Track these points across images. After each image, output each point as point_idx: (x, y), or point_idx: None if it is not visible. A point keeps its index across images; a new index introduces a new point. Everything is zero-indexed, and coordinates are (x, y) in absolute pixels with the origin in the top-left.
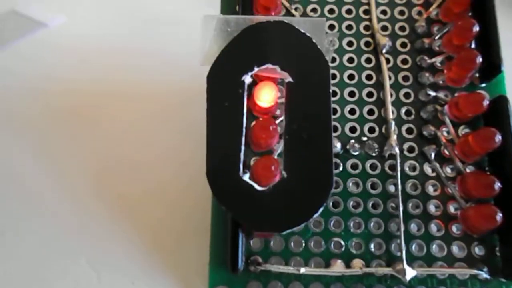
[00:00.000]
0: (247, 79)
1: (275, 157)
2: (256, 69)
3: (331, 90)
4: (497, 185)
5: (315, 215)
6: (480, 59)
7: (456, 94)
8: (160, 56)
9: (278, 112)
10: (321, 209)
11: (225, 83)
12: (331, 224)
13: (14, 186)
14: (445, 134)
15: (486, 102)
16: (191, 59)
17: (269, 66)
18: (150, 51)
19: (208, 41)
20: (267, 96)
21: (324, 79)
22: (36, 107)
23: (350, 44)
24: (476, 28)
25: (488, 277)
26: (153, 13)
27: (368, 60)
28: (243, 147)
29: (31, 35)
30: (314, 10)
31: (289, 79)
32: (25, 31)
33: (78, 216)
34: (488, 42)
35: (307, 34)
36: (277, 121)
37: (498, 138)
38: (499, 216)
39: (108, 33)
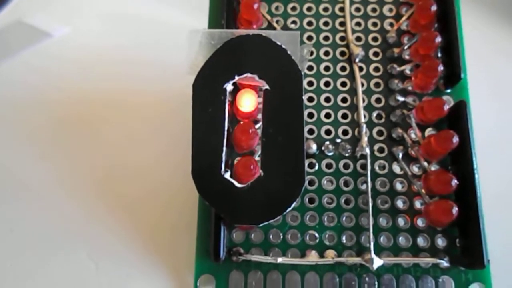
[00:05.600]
0: (229, 87)
1: (256, 157)
2: (236, 77)
3: (304, 97)
4: (454, 182)
5: (288, 210)
6: (442, 68)
7: (423, 99)
8: (158, 65)
9: (259, 116)
10: (293, 204)
11: (208, 90)
12: (307, 218)
13: (22, 189)
14: (412, 136)
15: (446, 107)
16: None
17: (248, 75)
18: (148, 61)
19: (194, 53)
20: (247, 102)
21: (297, 87)
22: (41, 115)
23: (326, 53)
24: (438, 39)
25: (448, 265)
26: (153, 25)
27: (343, 68)
28: (224, 148)
29: (36, 45)
30: (294, 22)
31: (266, 87)
32: (30, 42)
33: (81, 214)
34: (451, 52)
35: (283, 46)
36: (257, 125)
37: (456, 139)
38: (454, 209)
39: (110, 43)
